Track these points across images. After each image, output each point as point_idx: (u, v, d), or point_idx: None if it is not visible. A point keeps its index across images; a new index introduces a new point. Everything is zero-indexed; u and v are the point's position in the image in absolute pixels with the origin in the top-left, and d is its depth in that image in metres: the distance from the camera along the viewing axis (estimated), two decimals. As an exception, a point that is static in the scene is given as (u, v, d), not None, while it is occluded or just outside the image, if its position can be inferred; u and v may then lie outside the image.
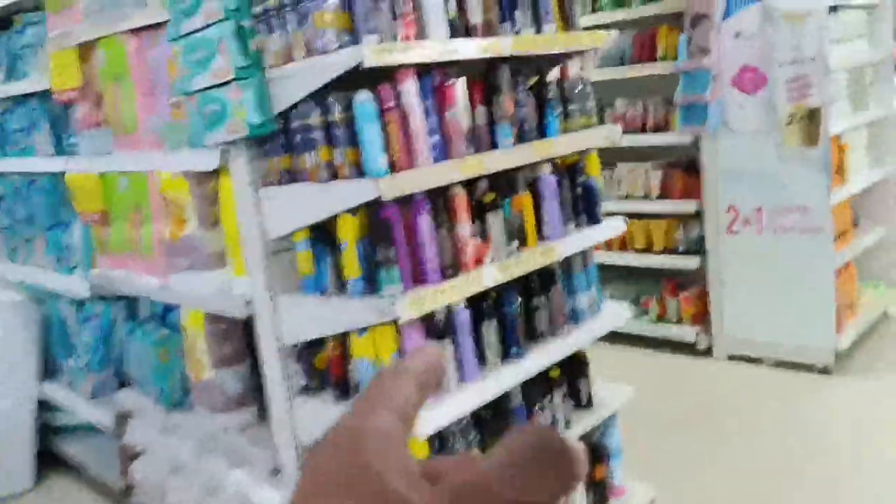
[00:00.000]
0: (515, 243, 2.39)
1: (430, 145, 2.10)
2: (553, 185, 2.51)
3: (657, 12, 4.39)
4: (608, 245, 4.74)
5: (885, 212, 4.71)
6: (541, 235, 2.51)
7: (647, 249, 4.71)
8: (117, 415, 3.23)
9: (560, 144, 2.48)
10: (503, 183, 2.39)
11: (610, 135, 2.67)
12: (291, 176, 2.18)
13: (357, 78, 2.02)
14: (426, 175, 2.05)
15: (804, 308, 4.05)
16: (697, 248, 4.46)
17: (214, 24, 2.07)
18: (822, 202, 3.90)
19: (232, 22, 2.04)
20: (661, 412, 3.80)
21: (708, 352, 4.47)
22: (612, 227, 2.72)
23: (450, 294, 2.12)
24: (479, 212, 2.32)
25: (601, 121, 4.77)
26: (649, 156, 4.69)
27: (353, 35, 1.99)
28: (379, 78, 2.06)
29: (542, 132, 2.48)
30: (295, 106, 2.09)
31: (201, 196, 2.45)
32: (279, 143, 2.16)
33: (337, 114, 1.99)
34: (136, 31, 2.53)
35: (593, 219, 2.68)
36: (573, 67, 2.60)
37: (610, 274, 4.93)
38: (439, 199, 2.18)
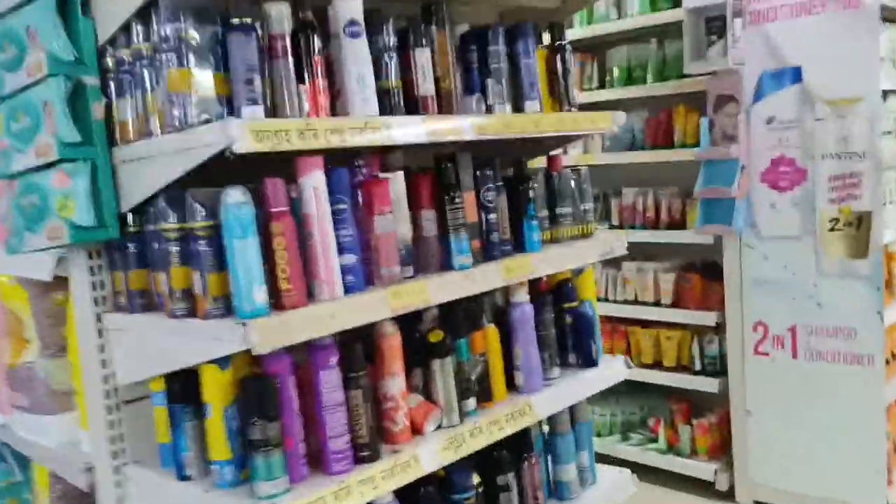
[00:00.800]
0: (473, 402, 1.69)
1: (344, 268, 1.43)
2: (530, 316, 1.83)
3: (674, 91, 3.79)
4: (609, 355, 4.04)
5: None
6: (512, 386, 1.82)
7: (657, 364, 3.99)
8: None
9: (542, 262, 1.80)
10: (459, 314, 1.71)
11: (611, 247, 2.00)
12: (146, 300, 1.51)
13: (256, 167, 1.38)
14: (331, 314, 1.37)
15: (847, 451, 3.31)
16: (716, 368, 3.75)
17: (41, 80, 1.43)
18: (873, 326, 3.21)
19: (60, 79, 1.40)
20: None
21: (729, 494, 3.72)
22: (611, 371, 2.03)
23: (364, 491, 1.42)
24: (421, 357, 1.64)
25: (606, 212, 4.15)
26: (661, 255, 4.03)
27: (231, 104, 1.34)
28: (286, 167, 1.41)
29: (518, 244, 1.82)
30: (152, 201, 1.43)
31: (43, 313, 1.78)
32: (133, 251, 1.50)
33: (198, 220, 1.33)
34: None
35: (587, 360, 1.99)
36: (566, 157, 1.95)
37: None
38: (357, 341, 1.50)
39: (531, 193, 1.82)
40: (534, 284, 1.91)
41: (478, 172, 1.71)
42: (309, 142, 1.32)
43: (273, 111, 1.39)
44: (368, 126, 1.41)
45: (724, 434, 3.78)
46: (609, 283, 4.05)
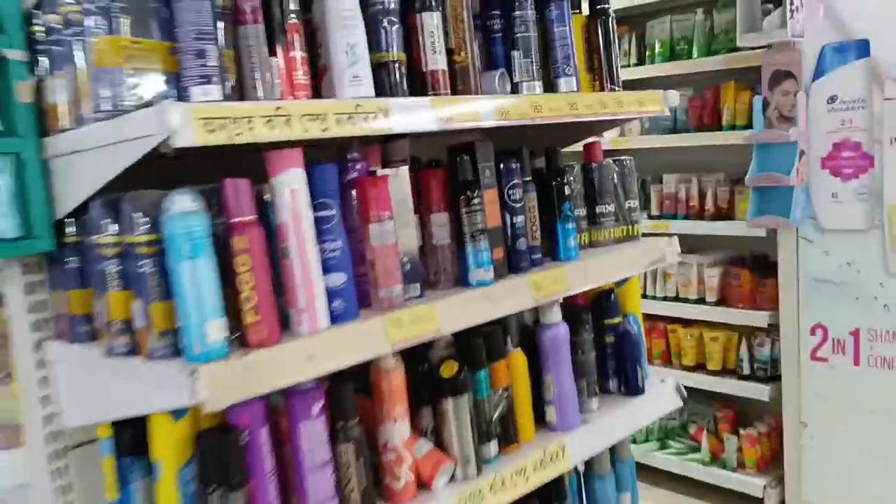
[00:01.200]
0: (494, 446, 1.39)
1: (330, 292, 1.13)
2: (565, 339, 1.52)
3: (723, 66, 3.43)
4: (647, 357, 3.71)
5: None
6: (541, 422, 1.51)
7: (699, 367, 3.67)
8: None
9: (580, 275, 1.49)
10: (477, 341, 1.40)
11: (662, 253, 1.68)
12: (91, 327, 1.22)
13: (230, 163, 1.08)
14: (310, 354, 1.07)
15: (917, 472, 2.97)
16: (767, 373, 3.41)
17: (-49, 54, 1.14)
18: (948, 331, 2.85)
19: (-29, 51, 1.11)
20: None
21: (779, 512, 3.39)
22: (660, 399, 1.71)
23: (352, 572, 1.13)
24: (431, 395, 1.34)
25: (645, 201, 3.81)
26: (706, 248, 3.68)
27: (178, 83, 1.04)
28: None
29: (550, 252, 1.50)
30: (87, 207, 1.14)
31: (-13, 332, 1.50)
32: (72, 267, 1.22)
33: (138, 232, 1.03)
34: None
35: (631, 387, 1.68)
36: (607, 144, 1.63)
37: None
38: (347, 381, 1.20)
39: (567, 190, 1.50)
40: (567, 302, 1.60)
41: (501, 166, 1.40)
42: (280, 131, 1.01)
43: (240, 93, 1.09)
44: (360, 110, 1.10)
45: (775, 446, 3.46)
46: (648, 278, 3.73)
